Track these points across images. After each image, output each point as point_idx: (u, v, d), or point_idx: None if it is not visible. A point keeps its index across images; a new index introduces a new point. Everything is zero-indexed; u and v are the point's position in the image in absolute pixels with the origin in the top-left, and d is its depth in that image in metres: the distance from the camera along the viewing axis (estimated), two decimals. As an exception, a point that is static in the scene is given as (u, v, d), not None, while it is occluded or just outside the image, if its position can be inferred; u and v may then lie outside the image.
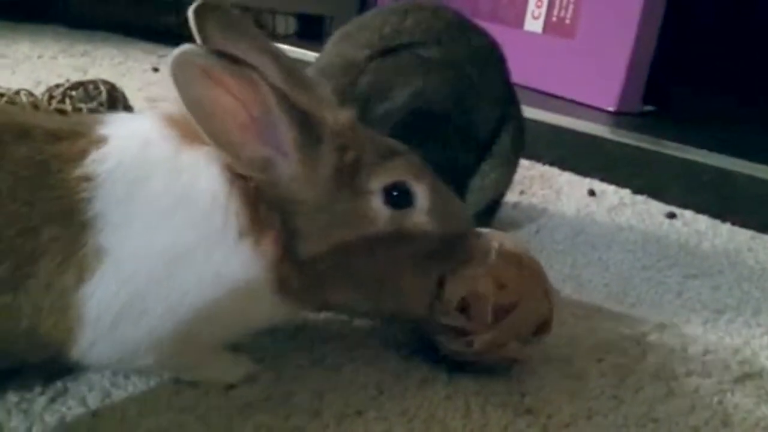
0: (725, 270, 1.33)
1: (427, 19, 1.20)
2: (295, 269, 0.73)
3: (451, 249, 0.81)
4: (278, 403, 0.79)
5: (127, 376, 0.80)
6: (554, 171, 1.80)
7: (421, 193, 0.77)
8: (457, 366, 0.88)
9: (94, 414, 0.74)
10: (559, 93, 2.27)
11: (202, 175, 0.70)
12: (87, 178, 0.68)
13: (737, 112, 2.42)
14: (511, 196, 1.38)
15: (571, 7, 2.22)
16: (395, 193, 0.76)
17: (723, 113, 2.39)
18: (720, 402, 0.90)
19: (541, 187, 1.68)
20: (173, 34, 2.31)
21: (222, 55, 0.66)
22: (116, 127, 0.74)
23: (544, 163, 1.82)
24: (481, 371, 0.87)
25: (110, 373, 0.79)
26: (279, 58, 0.79)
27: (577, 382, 0.90)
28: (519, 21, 2.37)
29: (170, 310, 0.70)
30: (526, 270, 0.86)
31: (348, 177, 0.74)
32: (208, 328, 0.74)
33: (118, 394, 0.77)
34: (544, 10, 2.30)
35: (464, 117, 1.18)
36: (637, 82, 2.15)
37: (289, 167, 0.72)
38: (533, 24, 2.34)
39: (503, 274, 0.84)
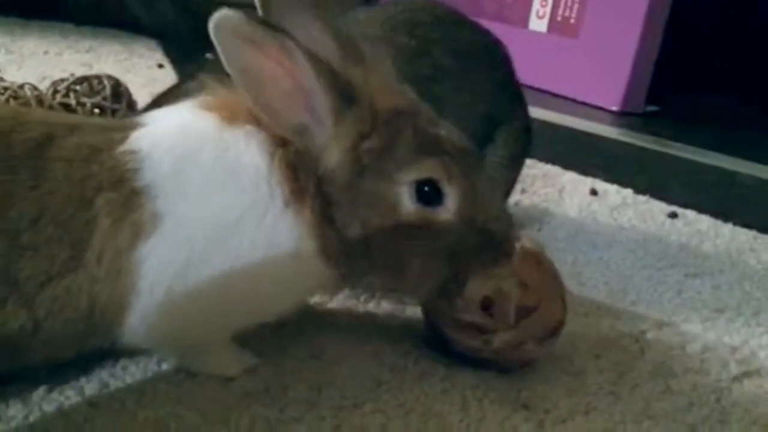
0: (726, 270, 1.32)
1: (413, 13, 1.20)
2: (335, 234, 0.74)
3: (480, 248, 0.79)
4: (276, 395, 0.79)
5: (124, 367, 0.80)
6: (557, 170, 1.79)
7: (452, 195, 0.76)
8: (462, 362, 0.88)
9: (92, 404, 0.74)
10: (563, 92, 2.26)
11: (244, 151, 0.73)
12: (131, 152, 0.71)
13: (741, 113, 2.41)
14: (512, 195, 1.38)
15: (575, 6, 2.22)
16: (426, 189, 0.75)
17: (726, 114, 2.38)
18: (718, 400, 0.90)
19: (544, 185, 1.67)
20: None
21: (261, 21, 0.67)
22: (156, 116, 0.77)
23: (546, 162, 1.82)
24: (479, 365, 0.88)
25: (108, 363, 0.80)
26: (333, 28, 0.77)
27: (574, 378, 0.90)
28: (523, 20, 2.37)
29: (224, 276, 0.71)
30: (545, 270, 0.86)
31: (371, 161, 0.74)
32: (259, 297, 0.77)
33: (115, 385, 0.77)
34: (548, 9, 2.29)
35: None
36: (641, 82, 2.14)
37: (322, 135, 0.73)
38: (538, 23, 2.33)
39: (525, 274, 0.84)
